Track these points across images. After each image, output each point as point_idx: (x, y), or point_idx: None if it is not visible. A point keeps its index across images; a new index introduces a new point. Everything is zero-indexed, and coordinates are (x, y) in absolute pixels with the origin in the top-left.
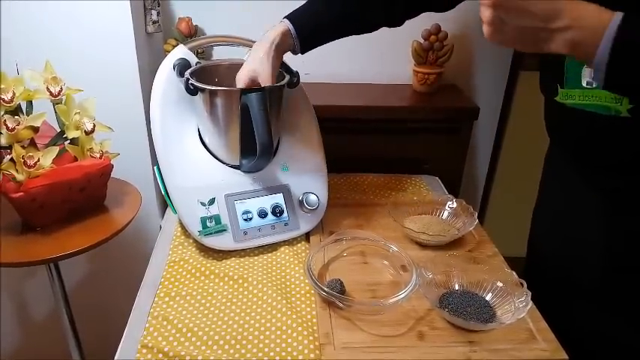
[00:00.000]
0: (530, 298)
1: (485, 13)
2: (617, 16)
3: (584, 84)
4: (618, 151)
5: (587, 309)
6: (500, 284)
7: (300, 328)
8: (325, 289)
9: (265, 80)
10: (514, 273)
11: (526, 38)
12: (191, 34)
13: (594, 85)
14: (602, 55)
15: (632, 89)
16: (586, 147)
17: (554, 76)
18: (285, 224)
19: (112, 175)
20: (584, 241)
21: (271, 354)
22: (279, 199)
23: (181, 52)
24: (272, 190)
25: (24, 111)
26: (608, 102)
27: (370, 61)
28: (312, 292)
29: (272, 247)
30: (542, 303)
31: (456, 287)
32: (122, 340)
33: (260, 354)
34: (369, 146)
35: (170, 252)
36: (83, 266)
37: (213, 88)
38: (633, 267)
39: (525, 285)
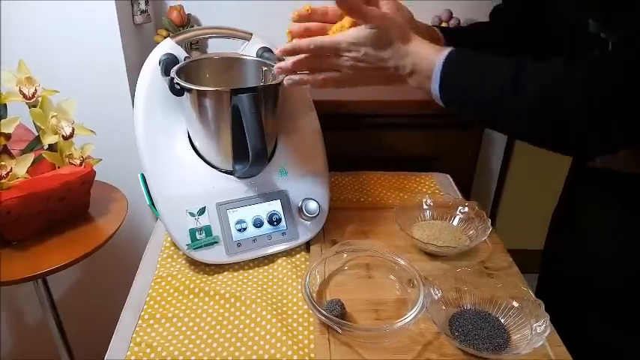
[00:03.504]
0: (548, 321)
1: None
2: (440, 60)
3: None
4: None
5: (601, 322)
6: (515, 304)
7: (295, 357)
8: (324, 312)
9: None
10: (530, 292)
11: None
12: (183, 23)
13: None
14: (437, 96)
15: (467, 116)
16: None
17: None
18: (283, 234)
19: (100, 178)
20: (608, 250)
21: None
22: (276, 206)
23: (168, 46)
24: (269, 196)
25: None
26: None
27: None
28: (311, 312)
29: (268, 259)
30: (555, 312)
31: (468, 306)
32: None
33: None
34: (376, 143)
35: (158, 266)
36: (74, 272)
37: (201, 88)
38: None
39: (543, 306)
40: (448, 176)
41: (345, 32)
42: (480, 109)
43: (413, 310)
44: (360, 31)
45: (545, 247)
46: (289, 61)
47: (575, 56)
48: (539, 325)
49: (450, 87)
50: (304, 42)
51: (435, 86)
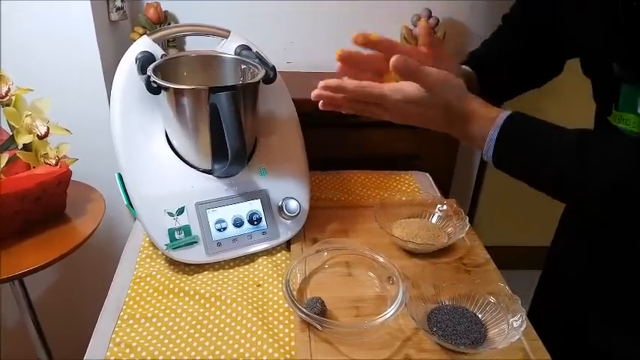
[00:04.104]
0: (525, 316)
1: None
2: (495, 127)
3: (639, 111)
4: None
5: (601, 322)
6: (492, 300)
7: (276, 355)
8: (304, 310)
9: None
10: (507, 287)
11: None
12: (160, 20)
13: None
14: (490, 161)
15: (518, 178)
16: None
17: (607, 93)
18: (263, 233)
19: (77, 178)
20: (610, 251)
21: None
22: (256, 205)
23: (145, 43)
24: (249, 196)
25: None
26: None
27: (357, 49)
28: (292, 310)
29: (249, 258)
30: (555, 312)
31: (446, 302)
32: None
33: None
34: (356, 142)
35: (137, 266)
36: (51, 273)
37: (178, 86)
38: None
39: (519, 302)
40: (427, 175)
41: (395, 87)
42: (538, 182)
43: (392, 307)
44: (412, 90)
45: (552, 246)
46: (331, 94)
47: (600, 88)
48: (515, 320)
49: (504, 156)
50: (351, 84)
51: (488, 153)
